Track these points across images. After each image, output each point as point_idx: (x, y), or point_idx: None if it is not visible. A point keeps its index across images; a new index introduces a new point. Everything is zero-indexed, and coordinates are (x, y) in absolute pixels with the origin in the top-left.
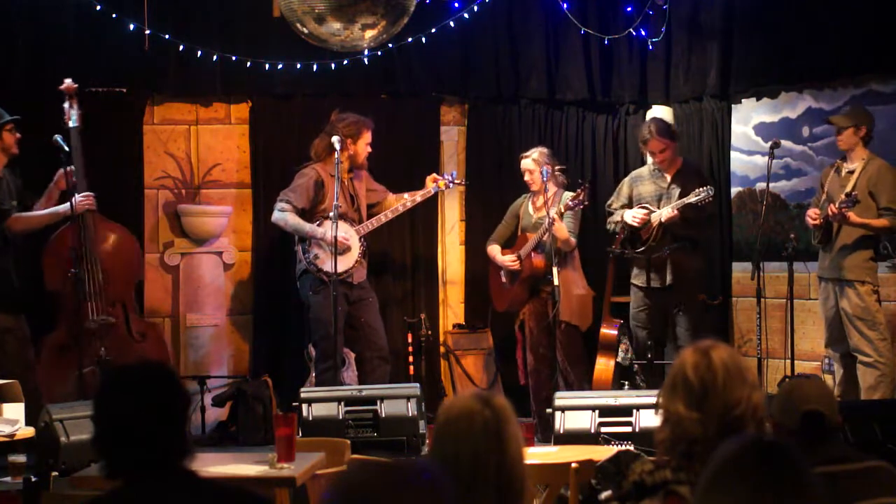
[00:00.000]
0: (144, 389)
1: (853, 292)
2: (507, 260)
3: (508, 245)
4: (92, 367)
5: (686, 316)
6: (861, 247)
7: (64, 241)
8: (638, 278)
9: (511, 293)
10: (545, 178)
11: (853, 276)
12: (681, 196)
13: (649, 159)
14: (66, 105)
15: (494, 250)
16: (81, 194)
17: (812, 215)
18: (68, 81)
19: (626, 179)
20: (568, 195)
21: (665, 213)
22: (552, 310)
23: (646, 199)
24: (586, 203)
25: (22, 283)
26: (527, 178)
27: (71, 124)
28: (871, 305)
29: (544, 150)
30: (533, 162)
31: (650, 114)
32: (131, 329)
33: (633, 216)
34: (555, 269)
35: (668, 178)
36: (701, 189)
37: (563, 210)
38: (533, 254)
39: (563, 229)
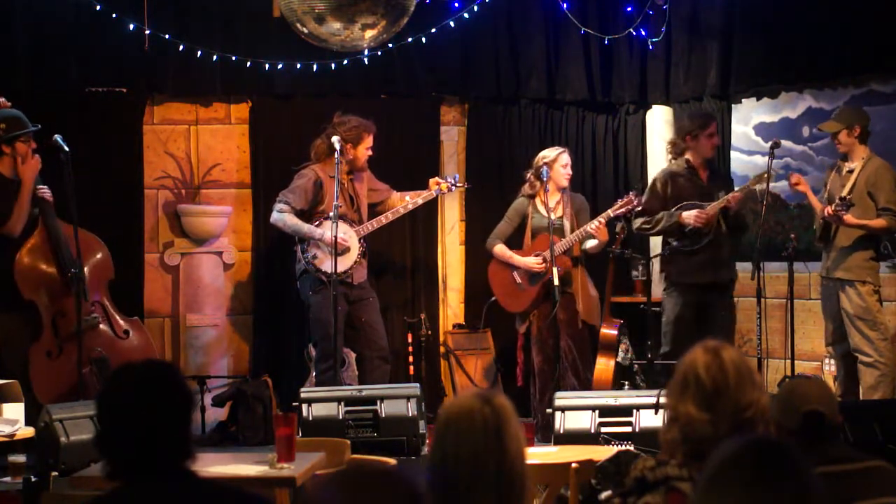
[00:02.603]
0: (149, 389)
1: (854, 292)
2: (532, 262)
3: (510, 244)
4: (90, 367)
5: (730, 318)
6: (861, 247)
7: (37, 250)
8: (689, 276)
9: (530, 295)
10: (545, 178)
11: (853, 276)
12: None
13: (669, 157)
14: None
15: (505, 250)
16: (40, 188)
17: (828, 211)
18: (1, 100)
19: (660, 176)
20: (581, 199)
21: (730, 196)
22: (553, 309)
23: (686, 197)
24: (638, 209)
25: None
26: (569, 171)
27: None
28: (872, 305)
29: None
30: (568, 157)
31: (653, 113)
32: (115, 328)
33: (695, 217)
34: (555, 270)
35: (704, 177)
36: (760, 175)
37: (612, 215)
38: (562, 255)
39: (607, 232)
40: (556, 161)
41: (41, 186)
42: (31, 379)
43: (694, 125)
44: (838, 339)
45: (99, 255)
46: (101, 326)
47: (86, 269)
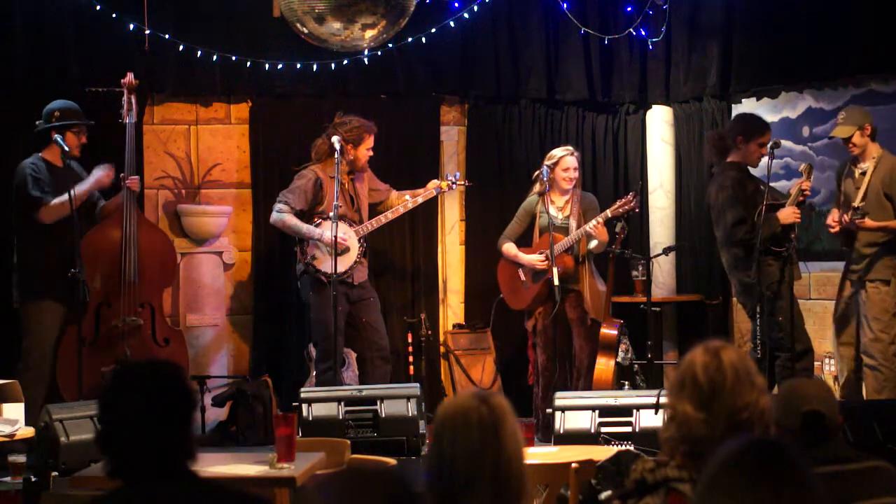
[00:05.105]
0: (152, 389)
1: (875, 291)
2: (535, 259)
3: (520, 243)
4: (113, 367)
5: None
6: (887, 247)
7: (108, 232)
8: (778, 275)
9: (531, 292)
10: (545, 178)
11: (879, 276)
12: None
13: (708, 152)
14: (125, 99)
15: (512, 248)
16: (130, 177)
17: (830, 222)
18: (130, 76)
19: (735, 184)
20: (592, 198)
21: (803, 187)
22: (553, 309)
23: (758, 201)
24: (637, 210)
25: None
26: (571, 175)
27: (129, 120)
28: (891, 307)
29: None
30: (576, 160)
31: (653, 113)
32: (156, 333)
33: (794, 214)
34: (555, 270)
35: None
36: (808, 168)
37: (609, 215)
38: (563, 254)
39: (606, 233)
40: (559, 164)
41: (132, 177)
42: (57, 363)
43: (749, 129)
44: (847, 338)
45: (162, 259)
46: (143, 329)
47: (139, 267)
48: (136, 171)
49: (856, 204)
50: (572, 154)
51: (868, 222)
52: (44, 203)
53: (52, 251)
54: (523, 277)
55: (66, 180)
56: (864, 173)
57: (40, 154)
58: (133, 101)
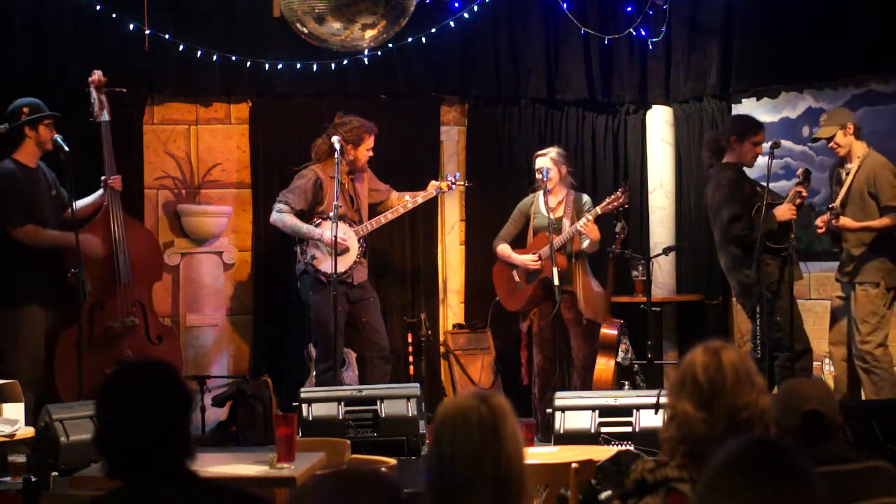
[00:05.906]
0: (147, 389)
1: (864, 294)
2: (528, 259)
3: (516, 244)
4: (114, 368)
5: None
6: (877, 248)
7: (97, 233)
8: (779, 275)
9: (526, 293)
10: (545, 178)
11: (867, 278)
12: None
13: (707, 155)
14: (94, 99)
15: (506, 249)
16: (112, 177)
17: (819, 223)
18: (98, 74)
19: (731, 184)
20: (586, 199)
21: (801, 190)
22: (554, 308)
23: (754, 201)
24: (626, 206)
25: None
26: (541, 175)
27: (102, 118)
28: (879, 309)
29: (560, 149)
30: (550, 160)
31: (653, 113)
32: (149, 332)
33: (790, 210)
34: (555, 270)
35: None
36: (807, 173)
37: (599, 212)
38: (556, 254)
39: (597, 231)
40: (534, 163)
41: (115, 176)
42: (54, 368)
43: (742, 128)
44: (842, 339)
45: (148, 254)
46: (137, 328)
47: (130, 266)
48: (117, 171)
49: (832, 205)
50: (545, 155)
51: (845, 222)
52: (18, 224)
53: (39, 256)
54: (517, 278)
55: (37, 182)
56: (849, 173)
57: (13, 156)
58: (104, 99)
